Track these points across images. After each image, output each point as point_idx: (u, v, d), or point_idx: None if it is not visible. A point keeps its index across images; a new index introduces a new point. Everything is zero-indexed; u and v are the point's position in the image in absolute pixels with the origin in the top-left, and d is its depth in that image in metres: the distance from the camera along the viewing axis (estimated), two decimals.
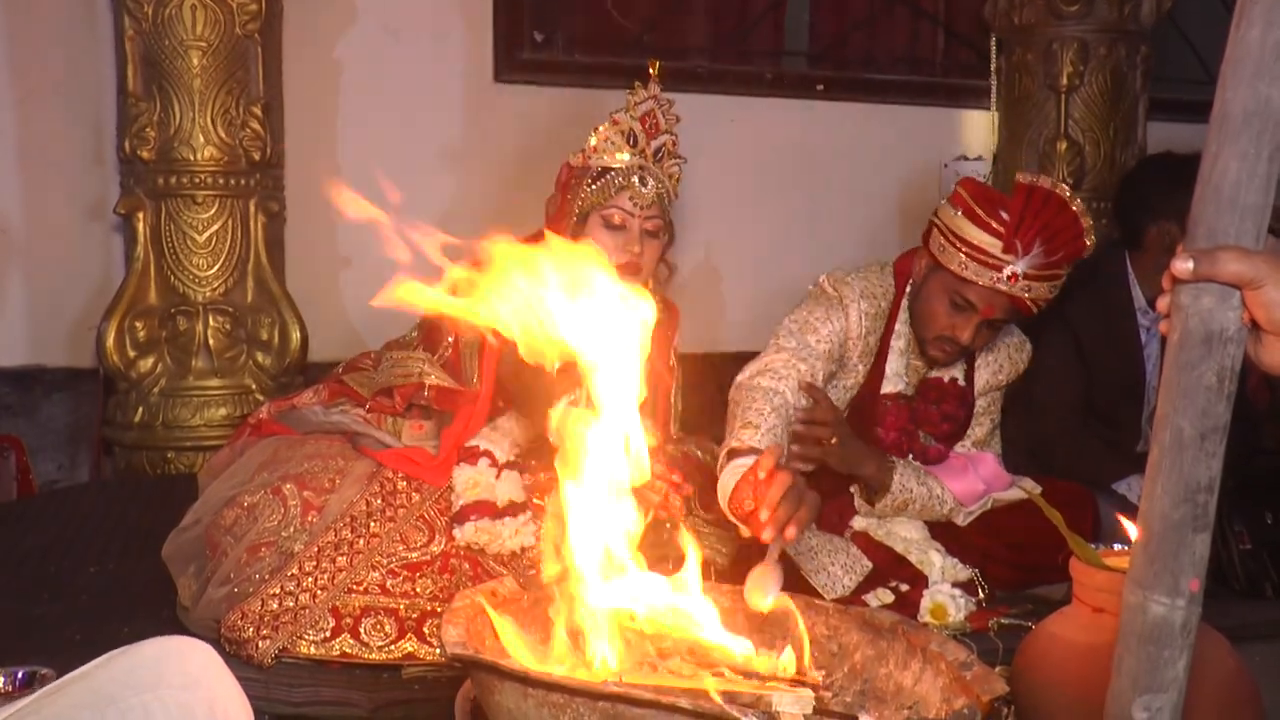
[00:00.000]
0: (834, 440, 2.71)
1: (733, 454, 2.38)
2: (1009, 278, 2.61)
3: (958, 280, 2.67)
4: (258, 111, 3.45)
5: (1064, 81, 4.38)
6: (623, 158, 2.79)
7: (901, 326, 2.85)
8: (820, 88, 4.60)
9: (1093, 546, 2.08)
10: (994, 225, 2.61)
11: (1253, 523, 3.05)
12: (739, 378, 2.70)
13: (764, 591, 1.93)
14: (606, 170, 2.79)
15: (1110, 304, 3.61)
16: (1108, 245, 3.73)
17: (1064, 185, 2.66)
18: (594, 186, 2.79)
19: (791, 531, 2.03)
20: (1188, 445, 1.18)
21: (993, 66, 4.67)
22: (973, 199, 2.67)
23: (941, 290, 2.72)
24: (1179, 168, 3.57)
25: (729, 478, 2.28)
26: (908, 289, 2.85)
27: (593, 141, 2.83)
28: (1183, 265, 1.16)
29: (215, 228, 3.44)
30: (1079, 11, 4.34)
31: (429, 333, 2.93)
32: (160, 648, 1.38)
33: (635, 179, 2.78)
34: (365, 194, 4.21)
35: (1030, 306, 2.67)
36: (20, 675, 1.86)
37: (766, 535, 2.03)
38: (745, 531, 2.17)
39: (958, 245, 2.66)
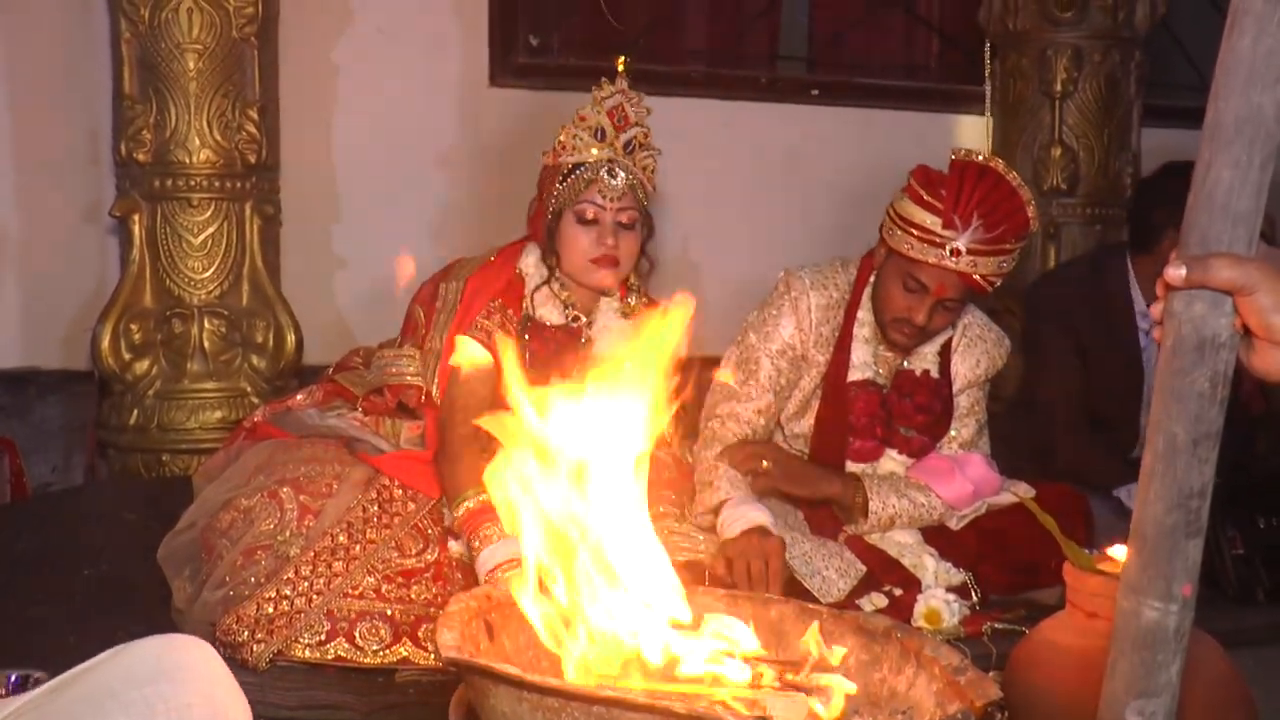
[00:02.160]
0: (765, 464, 2.81)
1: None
2: (952, 253, 2.66)
3: (908, 262, 2.73)
4: (253, 114, 3.44)
5: (1058, 87, 4.39)
6: (591, 153, 2.80)
7: (865, 314, 2.90)
8: (815, 92, 4.61)
9: (1086, 551, 2.09)
10: (934, 203, 2.68)
11: (1245, 528, 3.06)
12: (703, 426, 2.92)
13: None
14: (576, 166, 2.80)
15: (1111, 306, 3.68)
16: (1109, 247, 3.85)
17: (999, 160, 2.74)
18: (564, 183, 2.81)
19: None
20: (1181, 451, 1.19)
21: (987, 72, 4.68)
22: (917, 183, 2.74)
23: (895, 274, 2.78)
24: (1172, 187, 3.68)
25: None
26: (871, 279, 2.89)
27: (561, 139, 2.85)
28: (1175, 272, 1.17)
29: (210, 231, 3.43)
30: (1073, 18, 4.36)
31: (406, 321, 2.96)
32: (161, 644, 1.39)
33: (604, 171, 2.78)
34: (361, 195, 4.24)
35: (982, 284, 2.72)
36: (13, 679, 1.86)
37: None
38: None
39: (904, 227, 2.73)
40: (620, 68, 2.87)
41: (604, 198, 2.79)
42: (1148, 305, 3.56)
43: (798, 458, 2.93)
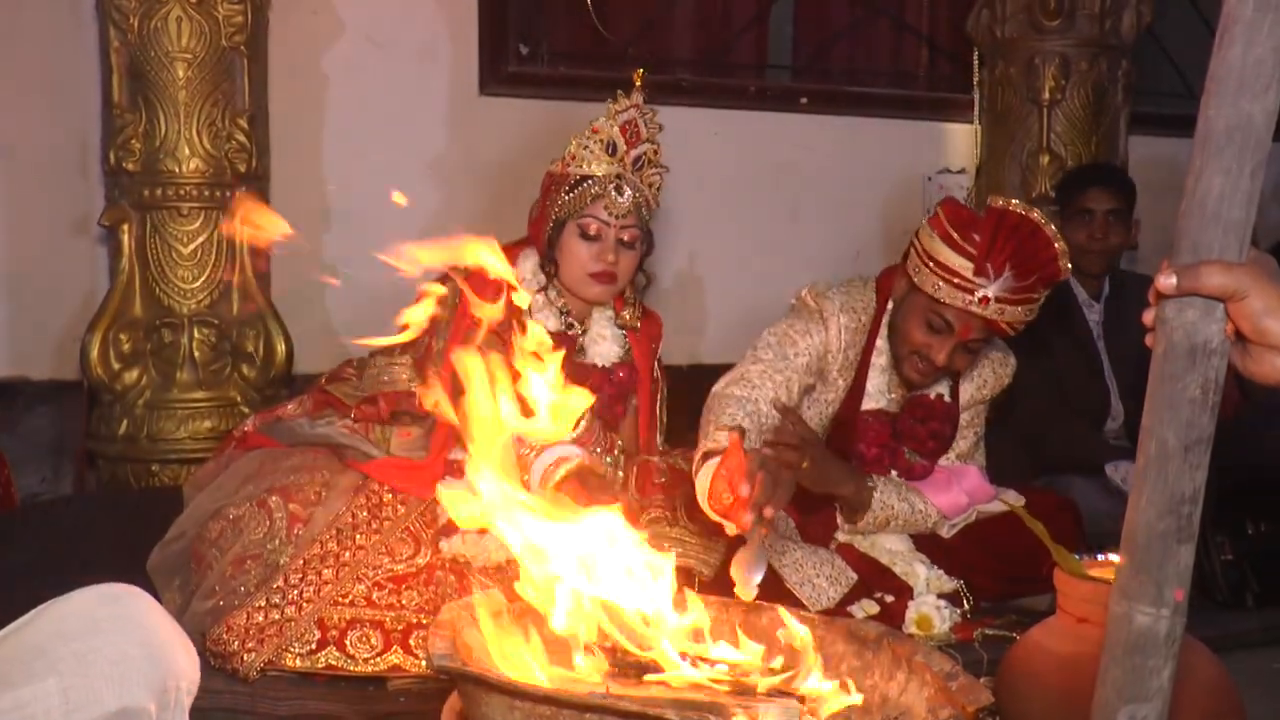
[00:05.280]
0: (805, 465, 2.70)
1: (707, 456, 2.37)
2: (980, 300, 2.62)
3: (933, 301, 2.69)
4: (243, 124, 3.44)
5: (1046, 95, 4.41)
6: (600, 167, 2.80)
7: (882, 343, 2.86)
8: (804, 101, 4.62)
9: (1076, 557, 2.10)
10: (966, 248, 2.62)
11: (1234, 533, 3.07)
12: (715, 388, 2.73)
13: (748, 577, 1.98)
14: (584, 179, 2.81)
15: (1060, 301, 3.80)
16: None
17: (1037, 210, 2.67)
18: (571, 195, 2.81)
19: (769, 511, 2.06)
20: (1172, 457, 1.19)
21: (975, 80, 4.70)
22: (948, 221, 2.67)
23: (919, 310, 2.74)
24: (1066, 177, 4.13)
25: (705, 478, 2.29)
26: (889, 306, 2.86)
27: (571, 149, 2.85)
28: (1167, 281, 1.17)
29: (200, 240, 3.42)
30: (1060, 26, 4.38)
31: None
32: (90, 594, 1.34)
33: (612, 188, 2.79)
34: (351, 205, 4.23)
35: (1006, 329, 2.69)
36: None
37: (746, 519, 2.06)
38: (731, 529, 2.15)
39: (932, 267, 2.67)
40: (638, 82, 2.87)
41: (609, 214, 2.80)
42: (1088, 295, 3.92)
43: (830, 459, 2.83)
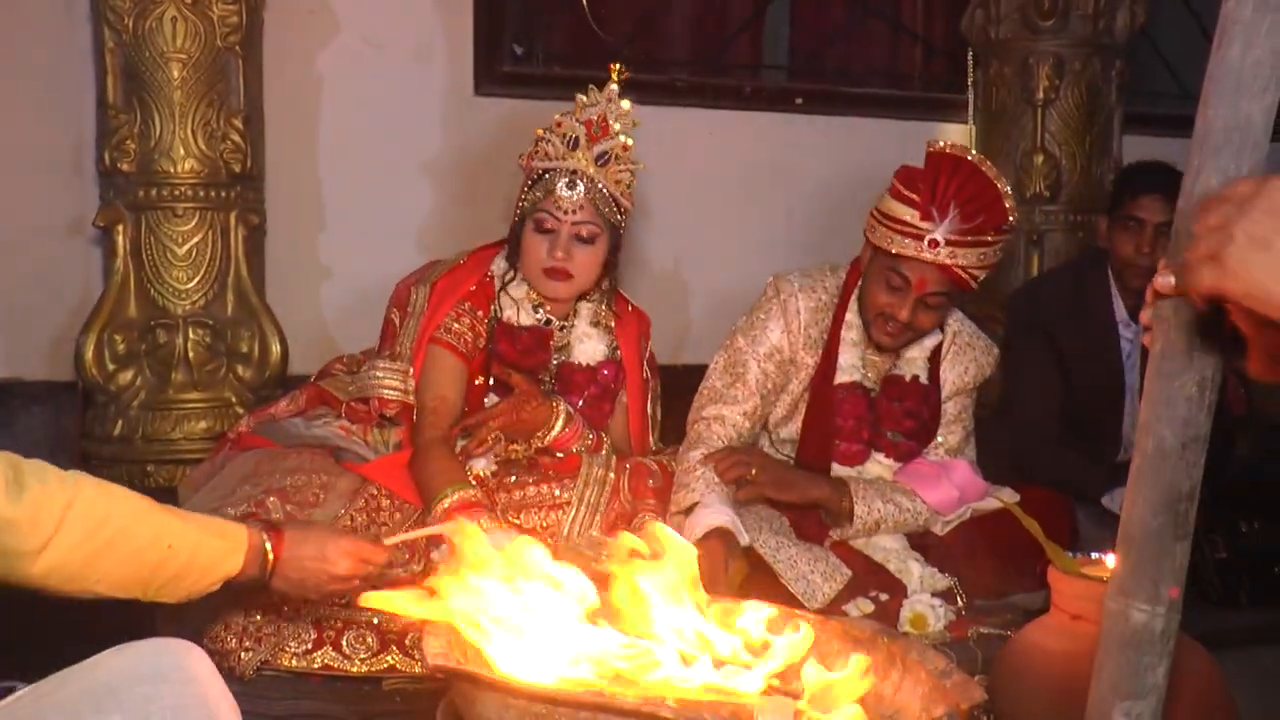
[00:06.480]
0: (754, 471, 2.80)
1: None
2: (930, 244, 2.70)
3: (890, 257, 2.77)
4: (238, 124, 3.43)
5: (1040, 95, 4.42)
6: (556, 161, 2.80)
7: (852, 317, 2.93)
8: (798, 101, 4.62)
9: (1070, 555, 2.11)
10: (912, 197, 2.73)
11: (1228, 532, 3.08)
12: (687, 430, 2.90)
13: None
14: (545, 173, 2.81)
15: (1093, 316, 3.65)
16: (1091, 256, 3.84)
17: (974, 152, 2.81)
18: (530, 189, 2.82)
19: None
20: (1169, 454, 1.20)
21: (970, 80, 4.70)
22: (898, 180, 2.79)
23: (879, 271, 2.82)
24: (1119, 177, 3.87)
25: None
26: (859, 282, 2.92)
27: (534, 144, 2.85)
28: (1165, 280, 1.18)
29: (195, 240, 3.42)
30: (1054, 27, 4.38)
31: (385, 326, 2.96)
32: (159, 645, 1.44)
33: (562, 183, 2.78)
34: (346, 204, 4.21)
35: (963, 277, 2.74)
36: None
37: None
38: None
39: (885, 223, 2.77)
40: (615, 77, 2.86)
41: (559, 209, 2.78)
42: (1128, 314, 3.60)
43: (783, 463, 2.94)
